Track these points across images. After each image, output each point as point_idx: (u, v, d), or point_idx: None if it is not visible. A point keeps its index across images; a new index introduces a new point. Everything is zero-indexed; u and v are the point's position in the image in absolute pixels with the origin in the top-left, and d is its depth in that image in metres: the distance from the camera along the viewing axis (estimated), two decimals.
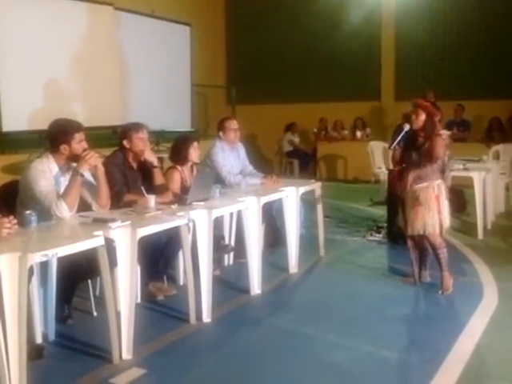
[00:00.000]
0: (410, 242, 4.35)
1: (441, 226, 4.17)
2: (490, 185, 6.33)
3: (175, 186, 4.36)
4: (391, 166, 4.71)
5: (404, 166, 4.26)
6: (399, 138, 4.27)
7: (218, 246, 4.45)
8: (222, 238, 4.71)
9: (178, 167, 4.49)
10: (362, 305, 4.07)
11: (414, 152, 4.19)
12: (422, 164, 4.13)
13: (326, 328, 3.62)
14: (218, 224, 4.32)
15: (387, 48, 11.31)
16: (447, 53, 10.62)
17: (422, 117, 4.14)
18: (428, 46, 10.75)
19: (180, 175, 4.46)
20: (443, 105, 9.63)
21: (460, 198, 6.87)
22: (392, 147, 4.32)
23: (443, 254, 4.19)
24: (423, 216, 4.12)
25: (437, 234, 4.17)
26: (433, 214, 4.12)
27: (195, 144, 4.53)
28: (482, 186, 5.98)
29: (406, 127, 4.25)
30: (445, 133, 4.34)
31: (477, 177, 5.87)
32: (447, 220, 4.21)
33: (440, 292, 4.18)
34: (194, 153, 4.51)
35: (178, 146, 4.55)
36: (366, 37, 11.30)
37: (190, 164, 4.56)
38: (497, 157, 7.82)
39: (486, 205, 6.14)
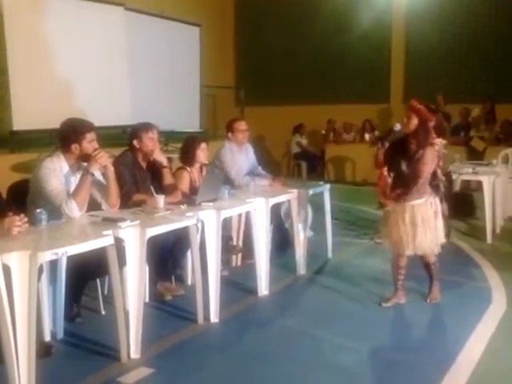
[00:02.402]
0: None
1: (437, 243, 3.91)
2: (499, 189, 6.30)
3: (184, 186, 4.38)
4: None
5: (393, 175, 3.82)
6: (388, 137, 4.00)
7: (227, 247, 4.46)
8: (231, 238, 4.73)
9: (187, 168, 4.51)
10: (369, 307, 4.06)
11: (403, 161, 3.78)
12: (409, 183, 3.74)
13: (334, 330, 3.62)
14: (226, 225, 4.34)
15: (397, 50, 11.28)
16: (457, 55, 10.60)
17: (414, 121, 3.75)
18: (438, 49, 10.72)
19: (189, 175, 4.47)
20: (452, 107, 9.69)
21: (469, 202, 6.85)
22: (377, 146, 4.01)
23: (435, 266, 4.04)
24: (421, 239, 3.80)
25: (432, 254, 3.97)
26: (432, 236, 3.82)
27: (203, 145, 4.54)
28: (492, 190, 5.96)
29: (397, 127, 3.94)
30: (440, 142, 3.89)
31: (486, 180, 5.85)
32: (442, 236, 3.90)
33: (428, 300, 4.07)
34: (202, 154, 4.53)
35: (186, 147, 4.57)
36: (376, 38, 11.28)
37: (198, 165, 4.58)
38: (506, 161, 7.80)
39: (495, 209, 6.11)
